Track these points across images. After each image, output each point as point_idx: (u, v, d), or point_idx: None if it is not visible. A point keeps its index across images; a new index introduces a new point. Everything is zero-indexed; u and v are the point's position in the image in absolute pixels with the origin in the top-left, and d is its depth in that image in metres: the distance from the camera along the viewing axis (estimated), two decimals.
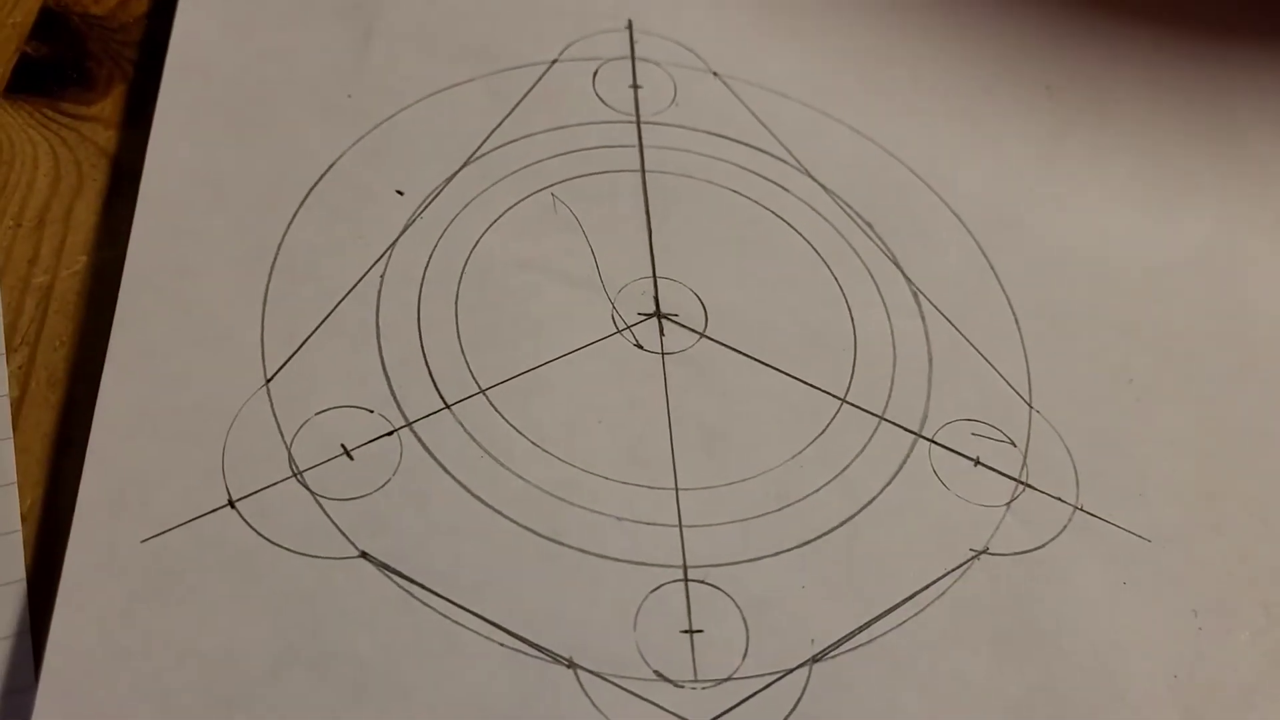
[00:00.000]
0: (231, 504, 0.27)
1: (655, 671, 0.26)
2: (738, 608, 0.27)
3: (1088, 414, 0.32)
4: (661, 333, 0.32)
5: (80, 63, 0.36)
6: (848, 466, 0.30)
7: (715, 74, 0.38)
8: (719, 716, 0.26)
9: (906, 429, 0.31)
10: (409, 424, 0.29)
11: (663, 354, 0.31)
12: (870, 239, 0.35)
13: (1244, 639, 0.29)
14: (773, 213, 0.35)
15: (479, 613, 0.26)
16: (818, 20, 0.40)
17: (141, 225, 0.31)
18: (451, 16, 0.37)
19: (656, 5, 0.39)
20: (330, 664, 0.25)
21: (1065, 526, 0.30)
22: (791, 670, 0.27)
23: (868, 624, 0.28)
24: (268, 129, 0.34)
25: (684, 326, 0.32)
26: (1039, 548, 0.29)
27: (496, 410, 0.30)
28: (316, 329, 0.30)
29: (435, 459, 0.28)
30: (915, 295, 0.34)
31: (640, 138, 0.36)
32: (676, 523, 0.28)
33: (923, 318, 0.33)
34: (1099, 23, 0.42)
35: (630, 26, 0.38)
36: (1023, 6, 0.41)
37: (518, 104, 0.36)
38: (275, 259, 0.31)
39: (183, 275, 0.30)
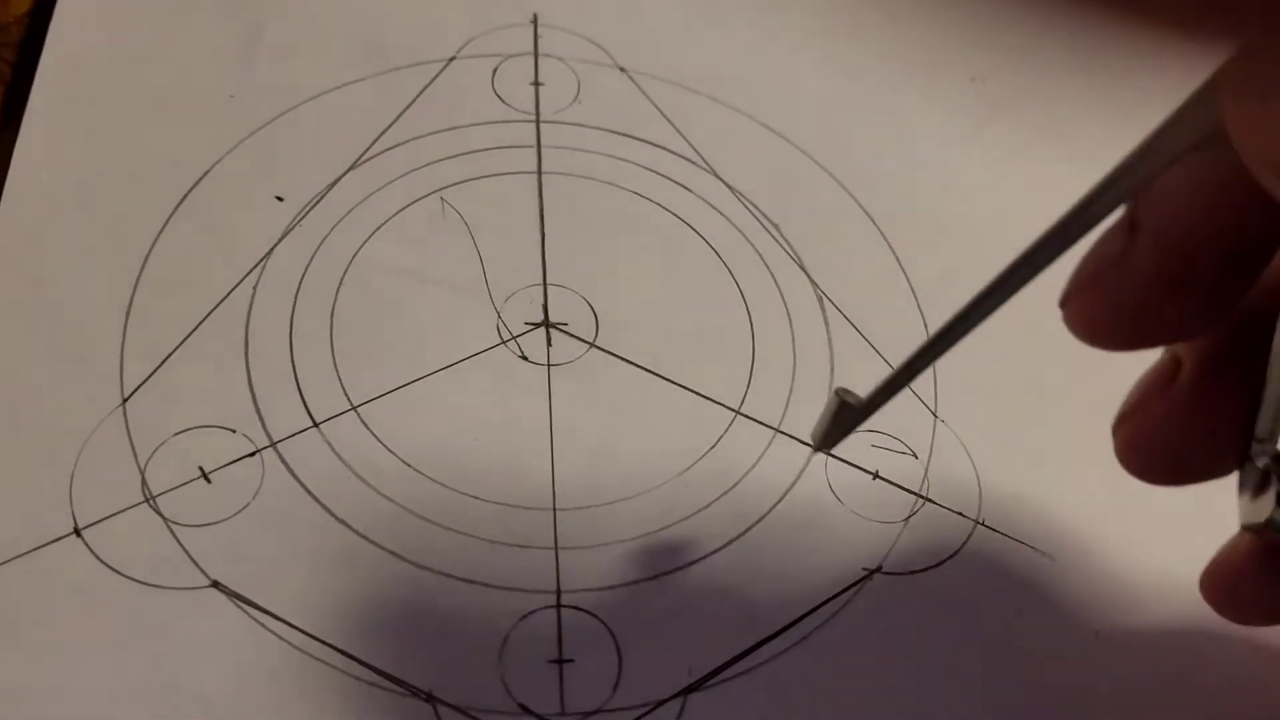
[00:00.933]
0: (77, 532, 0.26)
1: (520, 705, 0.25)
2: (612, 635, 0.26)
3: (995, 424, 0.31)
4: (549, 343, 0.30)
5: None
6: (738, 482, 0.29)
7: (622, 69, 0.36)
8: None
9: (803, 442, 0.30)
10: (273, 444, 0.28)
11: (549, 366, 0.30)
12: (776, 241, 0.33)
13: (1145, 659, 0.27)
14: (674, 215, 0.33)
15: (334, 644, 0.25)
16: (731, 12, 0.38)
17: (3, 232, 0.30)
18: (348, 11, 0.36)
19: None
20: (173, 700, 0.24)
21: (965, 543, 0.29)
22: (664, 701, 0.25)
23: (748, 651, 0.26)
24: (143, 131, 0.32)
25: (573, 336, 0.31)
26: (936, 565, 0.28)
27: (368, 428, 0.28)
28: (180, 344, 0.29)
29: (298, 480, 0.27)
30: (820, 300, 0.32)
31: (539, 137, 0.34)
32: (553, 545, 0.27)
33: (826, 324, 0.32)
34: (1029, 9, 0.40)
35: (535, 21, 0.37)
36: None
37: (410, 104, 0.34)
38: (142, 269, 0.30)
39: (42, 286, 0.29)
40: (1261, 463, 0.21)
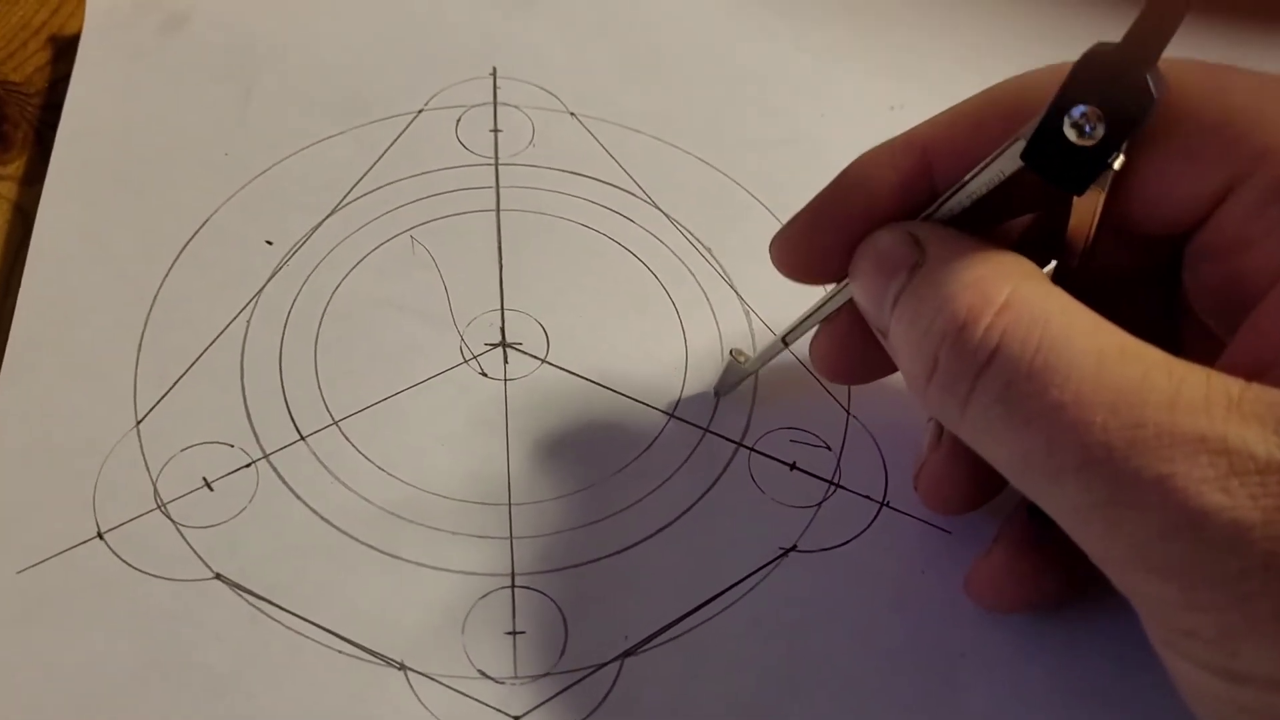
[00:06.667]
0: (100, 535, 0.30)
1: (479, 670, 0.29)
2: (559, 610, 0.30)
3: (901, 417, 0.35)
4: (506, 361, 0.35)
5: None
6: (671, 476, 0.33)
7: (572, 114, 0.41)
8: (535, 708, 0.29)
9: (729, 439, 0.34)
10: (265, 456, 0.32)
11: (505, 380, 0.34)
12: (708, 262, 0.38)
13: (1023, 619, 0.31)
14: (617, 243, 0.38)
15: (320, 623, 0.30)
16: (668, 60, 0.43)
17: (31, 278, 0.35)
18: (326, 72, 0.41)
19: (520, 52, 0.42)
20: (185, 674, 0.29)
21: (871, 522, 0.33)
22: (604, 665, 0.30)
23: (677, 620, 0.31)
24: (150, 187, 0.37)
25: (527, 354, 0.35)
26: (844, 543, 0.32)
27: (348, 439, 0.33)
28: (185, 373, 0.33)
29: (288, 486, 0.32)
30: (747, 314, 0.37)
31: (497, 179, 0.39)
32: (508, 535, 0.32)
33: (753, 337, 0.36)
34: (942, 44, 0.44)
35: (494, 74, 0.41)
36: (870, 35, 0.44)
37: (384, 153, 0.39)
38: (151, 308, 0.34)
39: (66, 324, 0.34)
40: None
